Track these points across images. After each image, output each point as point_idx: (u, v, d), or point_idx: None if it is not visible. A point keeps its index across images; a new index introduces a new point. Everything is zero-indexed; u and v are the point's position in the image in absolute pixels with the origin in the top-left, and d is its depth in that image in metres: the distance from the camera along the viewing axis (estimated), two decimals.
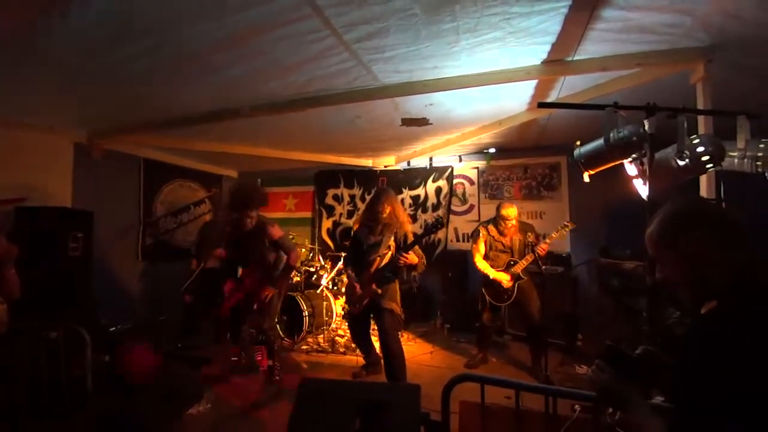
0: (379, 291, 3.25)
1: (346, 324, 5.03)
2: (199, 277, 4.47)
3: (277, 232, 3.45)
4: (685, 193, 1.96)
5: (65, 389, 2.70)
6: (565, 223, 3.77)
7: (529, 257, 3.70)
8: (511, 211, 3.77)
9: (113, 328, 4.73)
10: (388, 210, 3.38)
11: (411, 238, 3.36)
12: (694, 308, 1.01)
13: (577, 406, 2.30)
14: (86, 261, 4.25)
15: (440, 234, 5.89)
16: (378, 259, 3.33)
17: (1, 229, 2.70)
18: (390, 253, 3.32)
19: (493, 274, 3.77)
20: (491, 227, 3.94)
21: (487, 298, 3.87)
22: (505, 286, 3.73)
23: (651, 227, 1.03)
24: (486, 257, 3.90)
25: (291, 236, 5.79)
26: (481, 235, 3.94)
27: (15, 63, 2.79)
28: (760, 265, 0.90)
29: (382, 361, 3.74)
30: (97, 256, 4.49)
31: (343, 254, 5.25)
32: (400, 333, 3.62)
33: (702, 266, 0.92)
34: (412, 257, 3.20)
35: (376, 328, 3.54)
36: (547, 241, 3.70)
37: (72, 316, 3.03)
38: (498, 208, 3.87)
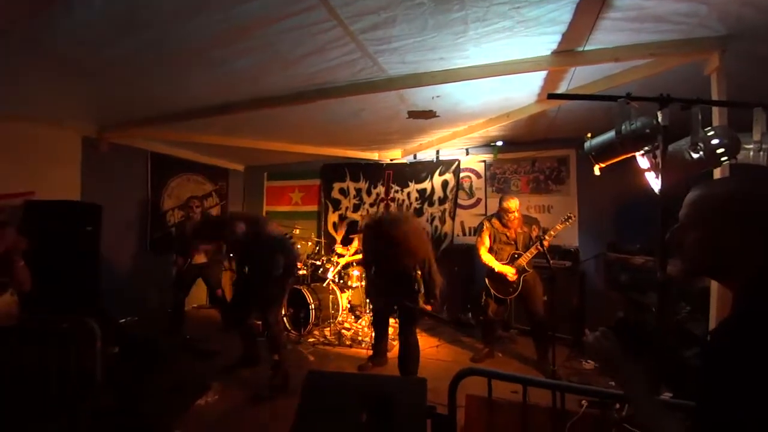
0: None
1: (353, 317, 5.06)
2: (189, 273, 4.54)
3: (272, 233, 3.48)
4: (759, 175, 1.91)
5: (74, 381, 2.73)
6: (568, 215, 3.75)
7: (534, 250, 3.69)
8: (512, 203, 3.79)
9: (122, 320, 4.80)
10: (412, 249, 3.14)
11: (435, 269, 3.30)
12: (684, 278, 0.96)
13: (584, 401, 2.29)
14: (95, 254, 4.30)
15: (446, 228, 5.87)
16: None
17: (9, 222, 2.73)
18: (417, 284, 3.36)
19: (498, 267, 3.76)
20: (495, 220, 3.95)
21: (492, 290, 3.87)
22: (510, 279, 3.72)
23: (701, 193, 0.93)
24: (491, 250, 3.90)
25: (296, 230, 5.82)
26: (485, 228, 3.94)
27: (21, 57, 2.79)
28: None
29: (388, 353, 3.76)
30: (106, 249, 4.54)
31: (348, 247, 5.28)
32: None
33: (730, 255, 0.86)
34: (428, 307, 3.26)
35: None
36: (552, 233, 3.68)
37: (81, 308, 3.05)
38: (500, 201, 3.90)
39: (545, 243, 3.61)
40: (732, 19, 2.33)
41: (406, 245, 3.04)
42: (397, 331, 3.40)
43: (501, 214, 3.87)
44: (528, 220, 3.95)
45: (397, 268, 3.21)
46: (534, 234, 3.81)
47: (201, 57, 2.85)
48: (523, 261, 3.74)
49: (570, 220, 3.75)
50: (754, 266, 0.83)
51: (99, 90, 3.50)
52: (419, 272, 3.33)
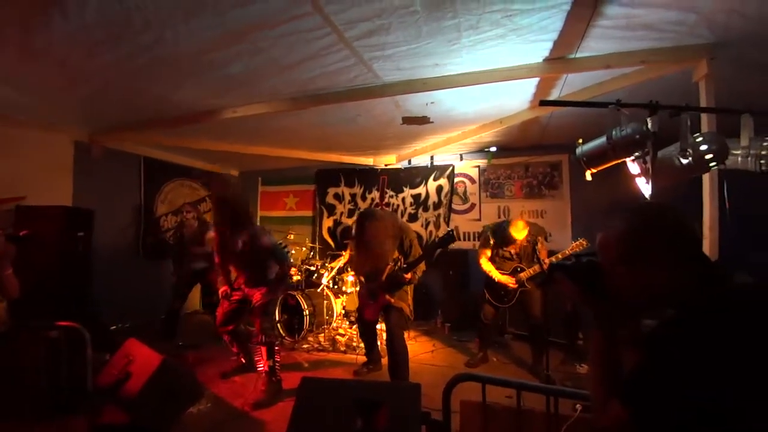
0: (392, 300, 3.27)
1: (348, 323, 5.04)
2: (187, 279, 4.57)
3: (266, 240, 3.45)
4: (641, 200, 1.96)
5: (65, 388, 2.70)
6: (580, 241, 3.71)
7: (537, 267, 3.67)
8: (519, 235, 3.67)
9: (114, 327, 4.75)
10: (378, 243, 3.29)
11: (416, 246, 3.36)
12: (638, 316, 0.99)
13: (578, 405, 2.29)
14: (87, 260, 4.25)
15: (441, 233, 5.88)
16: (388, 267, 3.33)
17: None
18: (399, 264, 3.32)
19: (498, 276, 3.75)
20: (498, 239, 3.85)
21: (488, 296, 3.87)
22: (509, 288, 3.73)
23: (607, 233, 0.98)
24: (492, 260, 3.89)
25: (291, 235, 5.80)
26: (490, 242, 3.89)
27: (15, 61, 2.78)
28: (719, 273, 0.89)
29: (383, 359, 3.75)
30: (98, 255, 4.49)
31: (344, 253, 5.26)
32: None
33: (659, 280, 0.90)
34: (408, 275, 3.19)
35: (381, 325, 3.54)
36: (558, 255, 3.66)
37: (72, 314, 3.01)
38: (508, 225, 3.75)
39: (546, 264, 3.57)
40: (720, 27, 2.38)
41: (375, 232, 3.28)
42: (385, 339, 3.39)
43: (506, 237, 3.75)
44: (534, 230, 3.84)
45: (377, 262, 3.31)
46: (538, 247, 3.72)
47: (195, 61, 2.85)
48: (524, 276, 3.72)
49: (581, 246, 3.70)
50: (682, 286, 0.87)
51: (92, 94, 3.48)
52: (400, 261, 3.33)
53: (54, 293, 3.57)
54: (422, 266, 3.30)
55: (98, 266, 4.46)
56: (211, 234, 3.37)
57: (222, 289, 3.59)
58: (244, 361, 3.77)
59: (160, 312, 4.73)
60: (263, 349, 3.32)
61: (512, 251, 3.85)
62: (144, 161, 5.59)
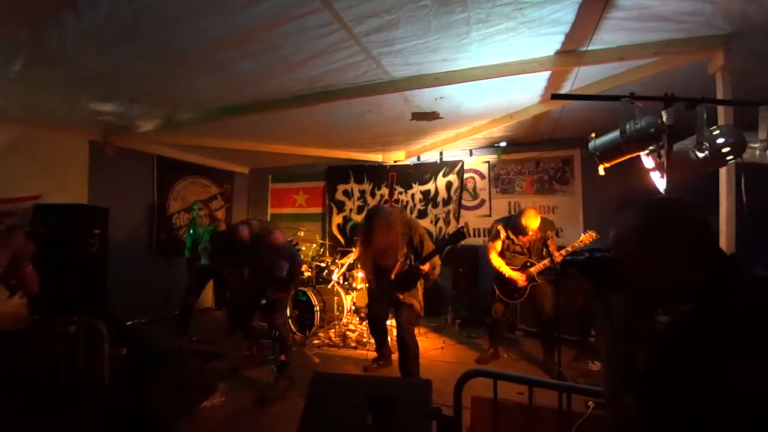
0: (402, 297, 3.27)
1: (358, 319, 5.06)
2: (204, 275, 4.65)
3: (277, 238, 3.49)
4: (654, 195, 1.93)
5: (82, 383, 2.75)
6: (590, 233, 3.66)
7: (547, 261, 3.63)
8: (532, 222, 3.60)
9: (129, 323, 4.84)
10: (386, 239, 3.27)
11: (427, 241, 3.35)
12: (653, 311, 0.98)
13: (590, 402, 2.27)
14: (102, 257, 4.33)
15: (451, 229, 5.86)
16: (397, 264, 3.33)
17: (17, 226, 2.75)
18: (409, 261, 3.31)
19: (508, 272, 3.72)
20: (510, 231, 3.81)
21: (498, 293, 3.85)
22: (519, 285, 3.70)
23: (620, 229, 0.97)
24: (501, 255, 3.85)
25: (301, 232, 5.84)
26: (501, 236, 3.84)
27: (29, 62, 2.83)
28: (734, 267, 0.87)
29: (393, 354, 3.76)
30: (113, 252, 4.58)
31: (353, 249, 5.28)
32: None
33: (673, 275, 0.88)
34: (425, 267, 3.17)
35: (392, 321, 3.55)
36: (568, 248, 3.63)
37: (89, 310, 3.08)
38: (519, 215, 3.68)
39: (558, 258, 3.53)
40: (737, 17, 2.32)
41: (383, 228, 3.25)
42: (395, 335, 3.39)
43: (518, 227, 3.70)
44: (543, 225, 3.78)
45: (386, 259, 3.31)
46: (548, 239, 3.69)
47: (206, 60, 2.87)
48: (534, 270, 3.68)
49: (591, 237, 3.64)
50: (698, 280, 0.86)
51: (106, 94, 3.53)
52: (411, 258, 3.32)
53: (71, 290, 3.64)
54: (438, 261, 3.28)
55: (113, 263, 4.54)
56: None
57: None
58: (256, 356, 3.81)
59: (173, 308, 4.81)
60: (276, 345, 3.35)
61: (523, 245, 3.82)
62: (157, 159, 5.67)
